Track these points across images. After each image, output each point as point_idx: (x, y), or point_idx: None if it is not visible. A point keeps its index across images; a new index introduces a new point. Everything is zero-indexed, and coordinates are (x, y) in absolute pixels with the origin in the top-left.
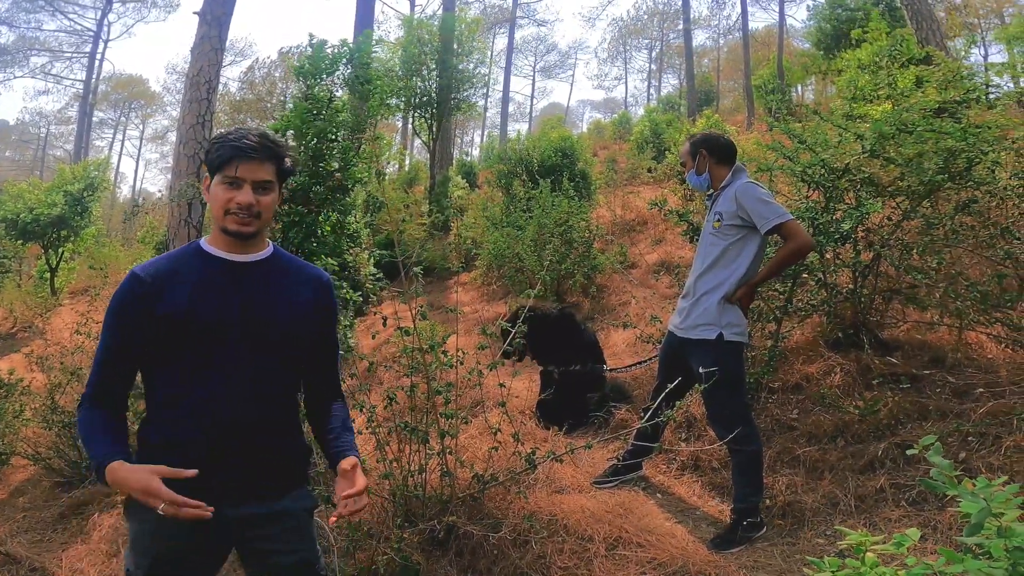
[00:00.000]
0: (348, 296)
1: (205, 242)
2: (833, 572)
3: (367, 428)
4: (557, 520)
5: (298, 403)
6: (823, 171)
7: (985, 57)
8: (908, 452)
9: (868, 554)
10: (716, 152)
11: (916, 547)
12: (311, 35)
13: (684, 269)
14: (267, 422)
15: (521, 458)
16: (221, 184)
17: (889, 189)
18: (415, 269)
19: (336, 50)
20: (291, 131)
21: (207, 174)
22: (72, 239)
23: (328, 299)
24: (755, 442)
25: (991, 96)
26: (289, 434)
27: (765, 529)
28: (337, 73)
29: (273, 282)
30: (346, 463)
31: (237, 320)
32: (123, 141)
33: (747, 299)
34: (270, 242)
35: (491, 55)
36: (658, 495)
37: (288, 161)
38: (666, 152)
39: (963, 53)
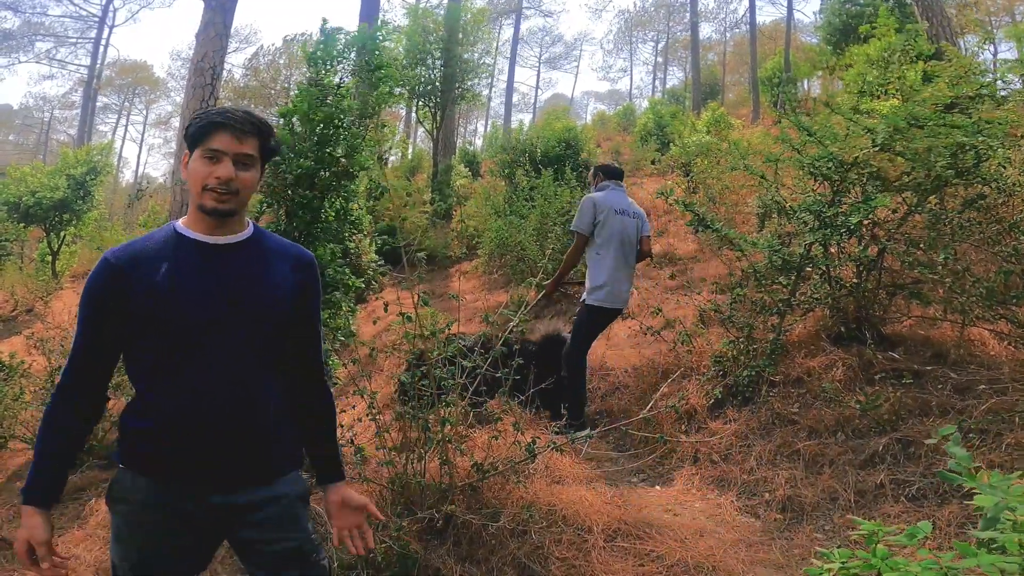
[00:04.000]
0: (351, 283)
1: (181, 223)
2: (843, 563)
3: (367, 415)
4: (556, 511)
5: (287, 387)
6: (831, 164)
7: (995, 54)
8: (927, 442)
9: (879, 546)
10: (606, 175)
11: (920, 544)
12: (324, 19)
13: (686, 261)
14: (251, 408)
15: (521, 448)
16: (201, 159)
17: (896, 184)
18: (419, 254)
19: (348, 37)
20: (297, 116)
21: (186, 151)
22: (74, 223)
23: (311, 278)
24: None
25: (1002, 93)
26: (276, 420)
27: (588, 429)
28: (347, 60)
29: (253, 264)
30: (359, 500)
31: (215, 305)
32: (126, 126)
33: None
34: (251, 223)
35: (496, 45)
36: (657, 487)
37: (272, 140)
38: (670, 144)
39: (976, 49)
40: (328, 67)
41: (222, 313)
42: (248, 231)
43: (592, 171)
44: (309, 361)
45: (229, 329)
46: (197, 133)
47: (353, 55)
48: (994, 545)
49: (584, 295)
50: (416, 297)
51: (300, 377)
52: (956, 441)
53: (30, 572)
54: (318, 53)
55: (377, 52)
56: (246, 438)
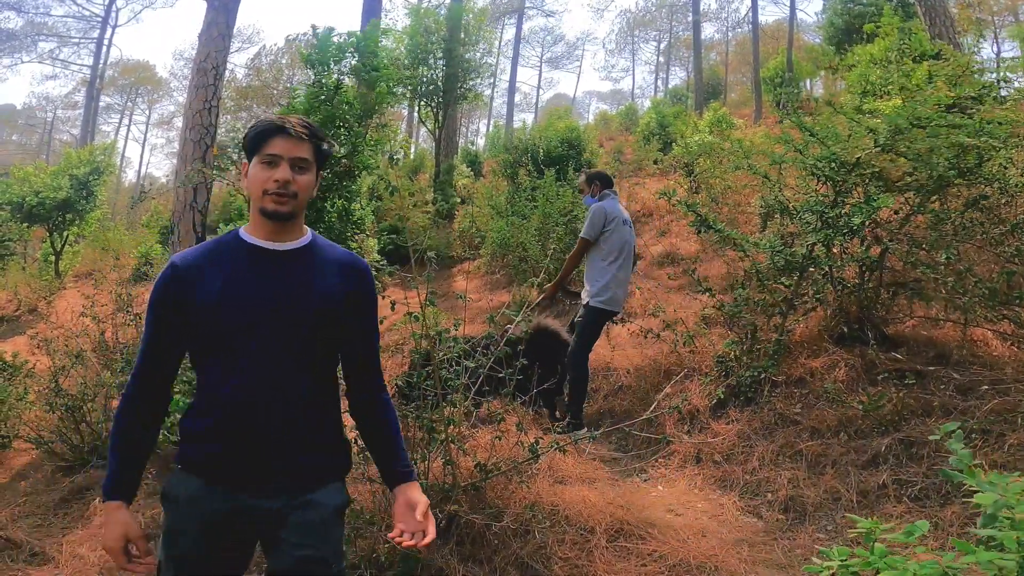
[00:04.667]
0: None
1: (243, 230)
2: (842, 561)
3: None
4: (559, 510)
5: (337, 396)
6: (833, 165)
7: (998, 54)
8: (931, 439)
9: (877, 544)
10: (603, 184)
11: (919, 542)
12: (314, 26)
13: (688, 260)
14: (299, 415)
15: (524, 448)
16: (259, 164)
17: (898, 185)
18: (429, 254)
19: (343, 39)
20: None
21: (245, 160)
22: (77, 223)
23: (365, 286)
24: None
25: (1003, 93)
26: (323, 427)
27: (586, 429)
28: (344, 61)
29: (308, 271)
30: (421, 501)
31: (269, 310)
32: (129, 126)
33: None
34: (309, 230)
35: (499, 45)
36: (660, 487)
37: (325, 145)
38: (672, 144)
39: (972, 47)
40: (325, 69)
41: (264, 317)
42: (306, 238)
43: (586, 178)
44: (365, 367)
45: (286, 333)
46: (255, 140)
47: (353, 57)
48: (993, 543)
49: (588, 299)
50: (422, 297)
51: (361, 383)
52: (959, 438)
53: (127, 568)
54: (314, 55)
55: (372, 53)
56: (283, 443)
